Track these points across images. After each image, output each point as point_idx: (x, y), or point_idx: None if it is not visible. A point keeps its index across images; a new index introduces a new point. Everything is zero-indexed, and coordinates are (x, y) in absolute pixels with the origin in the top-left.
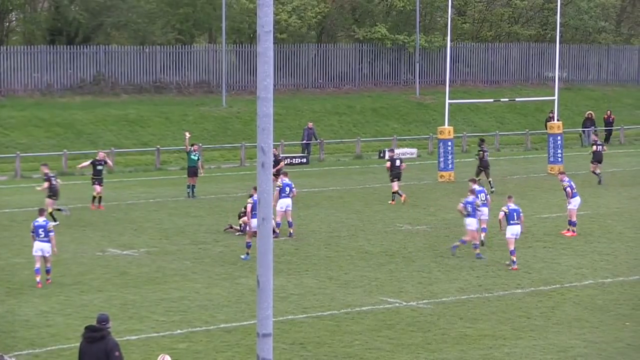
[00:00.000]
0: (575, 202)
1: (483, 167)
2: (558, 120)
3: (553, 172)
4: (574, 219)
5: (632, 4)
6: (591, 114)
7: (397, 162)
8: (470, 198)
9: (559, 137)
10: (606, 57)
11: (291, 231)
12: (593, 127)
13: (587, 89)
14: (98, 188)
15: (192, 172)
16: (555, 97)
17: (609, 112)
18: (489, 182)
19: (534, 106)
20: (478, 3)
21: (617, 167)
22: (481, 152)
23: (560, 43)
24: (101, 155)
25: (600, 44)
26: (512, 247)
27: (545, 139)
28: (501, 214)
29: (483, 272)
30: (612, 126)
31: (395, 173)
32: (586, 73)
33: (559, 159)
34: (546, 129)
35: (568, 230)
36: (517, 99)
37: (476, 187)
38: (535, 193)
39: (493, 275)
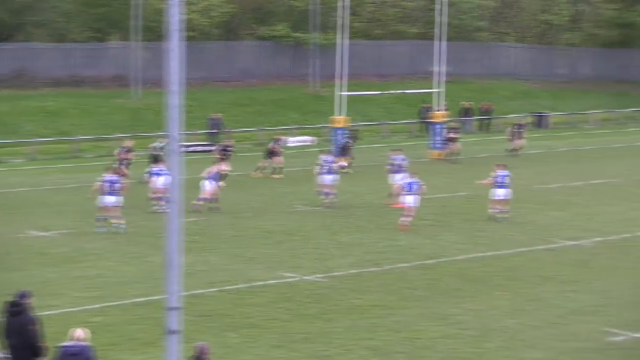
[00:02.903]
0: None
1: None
2: (446, 109)
3: (436, 157)
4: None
5: (508, 5)
6: (469, 104)
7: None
8: None
9: (441, 126)
10: (484, 53)
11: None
12: (470, 116)
13: (468, 82)
14: None
15: None
16: (439, 90)
17: (486, 103)
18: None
19: (418, 98)
20: (370, 4)
21: (494, 153)
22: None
23: (442, 40)
24: None
25: (479, 42)
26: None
27: (425, 128)
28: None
29: (373, 248)
30: (489, 115)
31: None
32: (466, 67)
33: (441, 145)
34: (420, 119)
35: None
36: (404, 91)
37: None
38: (419, 177)
39: (382, 251)
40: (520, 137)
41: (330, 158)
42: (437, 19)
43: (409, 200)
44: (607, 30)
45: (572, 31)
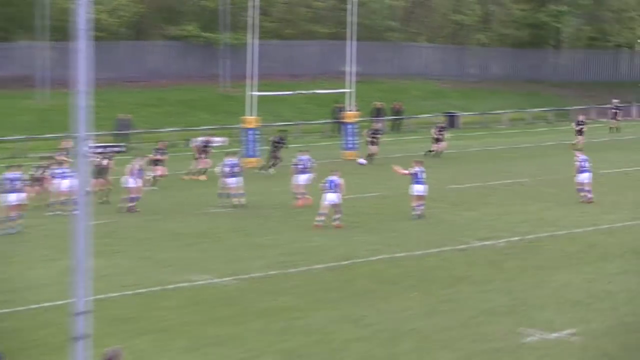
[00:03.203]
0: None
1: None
2: (357, 110)
3: (349, 158)
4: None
5: (419, 5)
6: (379, 104)
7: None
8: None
9: (353, 126)
10: (395, 53)
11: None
12: (381, 116)
13: (379, 82)
14: None
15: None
16: (350, 90)
17: (397, 103)
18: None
19: (330, 98)
20: (280, 4)
21: (407, 152)
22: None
23: (354, 40)
24: None
25: (390, 41)
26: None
27: (337, 128)
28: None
29: (287, 249)
30: (400, 115)
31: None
32: (378, 67)
33: (354, 146)
34: (333, 119)
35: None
36: (315, 91)
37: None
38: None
39: (295, 252)
40: (441, 140)
41: (234, 160)
42: (348, 18)
43: (331, 198)
44: (517, 31)
45: (482, 31)
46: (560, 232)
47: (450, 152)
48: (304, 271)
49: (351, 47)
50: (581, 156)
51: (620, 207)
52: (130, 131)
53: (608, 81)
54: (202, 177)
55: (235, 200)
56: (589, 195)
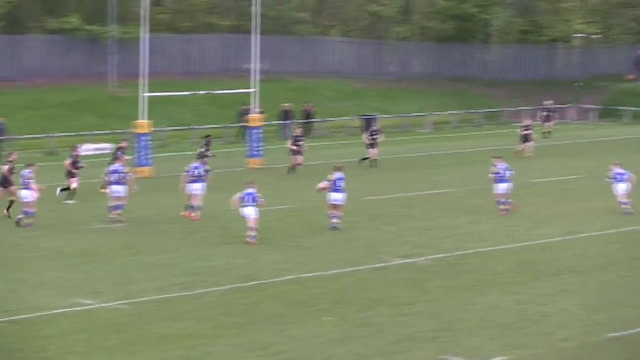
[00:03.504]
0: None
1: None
2: (262, 112)
3: (253, 166)
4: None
5: None
6: (288, 107)
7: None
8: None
9: (258, 131)
10: (305, 48)
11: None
12: (291, 120)
13: (287, 81)
14: None
15: None
16: (255, 90)
17: (309, 105)
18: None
19: (233, 99)
20: None
21: (320, 160)
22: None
23: (258, 34)
24: None
25: (300, 36)
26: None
27: (243, 133)
28: (237, 197)
29: (183, 270)
30: (311, 119)
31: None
32: (286, 65)
33: (260, 153)
34: (239, 122)
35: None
36: (215, 92)
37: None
38: (235, 188)
39: (194, 273)
40: (374, 145)
41: (120, 166)
42: (252, 10)
43: (249, 212)
44: (442, 24)
45: (403, 24)
46: (489, 249)
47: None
48: (204, 294)
49: (256, 42)
50: (500, 164)
51: (556, 220)
52: (5, 137)
53: (543, 79)
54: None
55: (112, 215)
56: (507, 208)
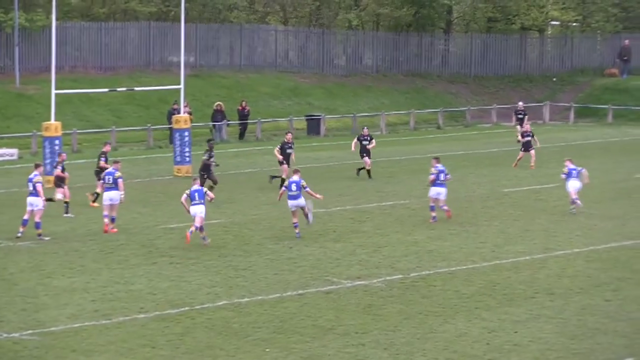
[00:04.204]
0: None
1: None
2: (190, 112)
3: (180, 174)
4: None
5: None
6: (220, 105)
7: None
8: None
9: (186, 133)
10: (240, 38)
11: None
12: (225, 121)
13: (219, 76)
14: None
15: None
16: (182, 86)
17: (243, 102)
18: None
19: (158, 96)
20: None
21: (253, 167)
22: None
23: (185, 22)
24: None
25: (232, 23)
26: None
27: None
28: (184, 196)
29: (100, 294)
30: (247, 119)
31: None
32: (217, 57)
33: (187, 159)
34: (170, 123)
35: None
36: (136, 88)
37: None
38: (161, 199)
39: (111, 298)
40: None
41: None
42: None
43: (199, 210)
44: (397, 10)
45: (352, 10)
46: (453, 268)
47: (313, 167)
48: (125, 322)
49: (183, 31)
50: (438, 165)
51: (530, 235)
52: None
53: (513, 74)
54: None
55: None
56: (446, 207)
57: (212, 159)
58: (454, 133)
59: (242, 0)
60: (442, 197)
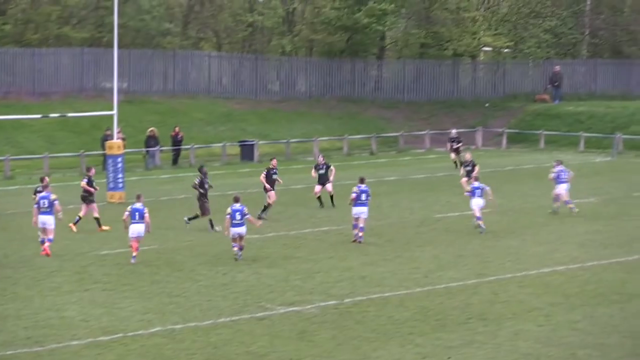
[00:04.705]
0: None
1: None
2: (123, 138)
3: (114, 200)
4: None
5: (200, 2)
6: (153, 131)
7: None
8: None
9: (119, 159)
10: (173, 64)
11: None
12: (158, 146)
13: (152, 102)
14: None
15: None
16: (115, 112)
17: (177, 128)
18: None
19: (91, 123)
20: (21, 1)
21: (187, 193)
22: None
23: (118, 48)
24: None
25: (166, 49)
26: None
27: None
28: (126, 214)
29: (32, 322)
30: (180, 145)
31: None
32: (150, 83)
33: (120, 185)
34: (103, 149)
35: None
36: (69, 114)
37: None
38: (94, 226)
39: (44, 325)
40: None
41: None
42: (112, 19)
43: (137, 229)
44: (330, 35)
45: (285, 36)
46: (387, 294)
47: (250, 192)
48: (57, 349)
49: (116, 57)
50: (361, 185)
51: (462, 261)
52: None
53: (446, 99)
54: None
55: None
56: (360, 235)
57: (206, 184)
58: (387, 158)
59: (175, 26)
60: (363, 216)
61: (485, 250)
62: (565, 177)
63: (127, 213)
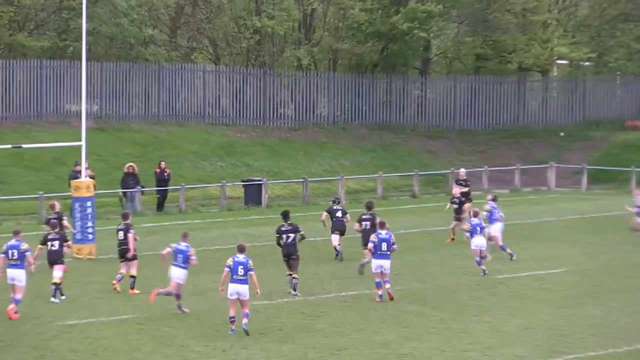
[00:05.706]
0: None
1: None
2: (93, 177)
3: (81, 256)
4: None
5: (193, 3)
6: (132, 167)
7: None
8: None
9: (88, 203)
10: (157, 81)
11: None
12: (139, 187)
13: (130, 130)
14: None
15: None
16: (83, 142)
17: (162, 164)
18: None
19: (52, 156)
20: None
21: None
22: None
23: (87, 60)
24: None
25: (148, 62)
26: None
27: (69, 205)
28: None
29: None
30: (167, 185)
31: None
32: (128, 105)
33: (90, 236)
34: (71, 189)
35: None
36: (24, 146)
37: None
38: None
39: None
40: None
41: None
42: (80, 24)
43: (177, 275)
44: (358, 45)
45: (301, 46)
46: None
47: (251, 246)
48: None
49: (84, 72)
50: (381, 232)
51: (530, 334)
52: None
53: (509, 128)
54: None
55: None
56: (388, 287)
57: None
58: (434, 203)
59: (160, 34)
60: (386, 270)
61: (559, 320)
62: (499, 215)
63: (168, 249)
